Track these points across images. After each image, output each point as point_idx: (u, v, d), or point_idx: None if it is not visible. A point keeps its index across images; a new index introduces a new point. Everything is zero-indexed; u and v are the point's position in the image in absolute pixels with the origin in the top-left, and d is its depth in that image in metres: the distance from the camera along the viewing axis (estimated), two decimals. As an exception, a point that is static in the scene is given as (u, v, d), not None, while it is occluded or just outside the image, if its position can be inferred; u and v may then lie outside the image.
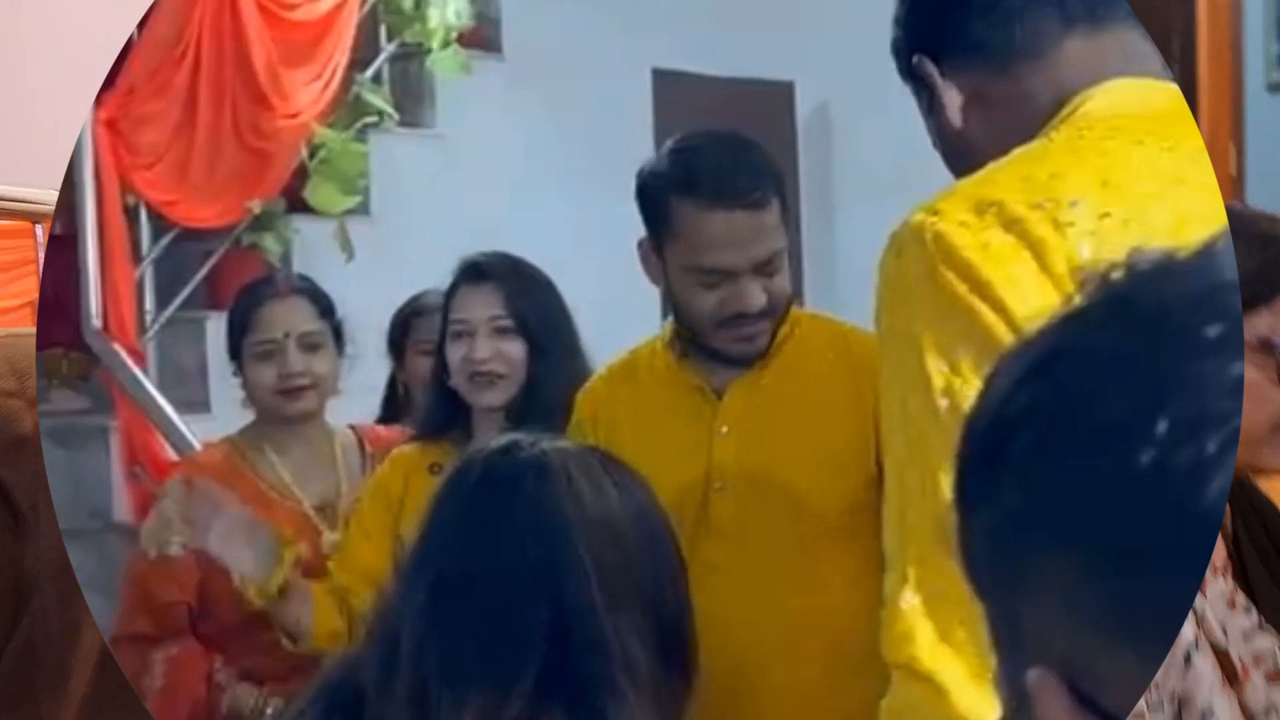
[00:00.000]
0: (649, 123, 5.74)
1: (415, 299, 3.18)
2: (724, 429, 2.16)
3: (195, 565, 2.64)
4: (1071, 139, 1.26)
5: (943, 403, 1.14)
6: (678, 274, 2.14)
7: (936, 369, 1.16)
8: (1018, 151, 1.27)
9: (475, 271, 2.42)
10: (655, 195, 2.14)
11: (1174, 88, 1.31)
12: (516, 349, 2.38)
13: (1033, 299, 1.13)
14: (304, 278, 2.83)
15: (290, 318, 2.65)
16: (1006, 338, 1.10)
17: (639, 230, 2.20)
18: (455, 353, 2.40)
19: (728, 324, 2.11)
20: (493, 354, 2.37)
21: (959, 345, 1.15)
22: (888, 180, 6.32)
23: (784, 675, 2.13)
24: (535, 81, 5.25)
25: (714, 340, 2.15)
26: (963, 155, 1.38)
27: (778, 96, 6.19)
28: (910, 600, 1.16)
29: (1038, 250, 1.15)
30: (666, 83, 5.81)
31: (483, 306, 2.39)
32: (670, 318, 2.26)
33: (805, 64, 6.14)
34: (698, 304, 2.12)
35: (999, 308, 1.15)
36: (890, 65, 1.53)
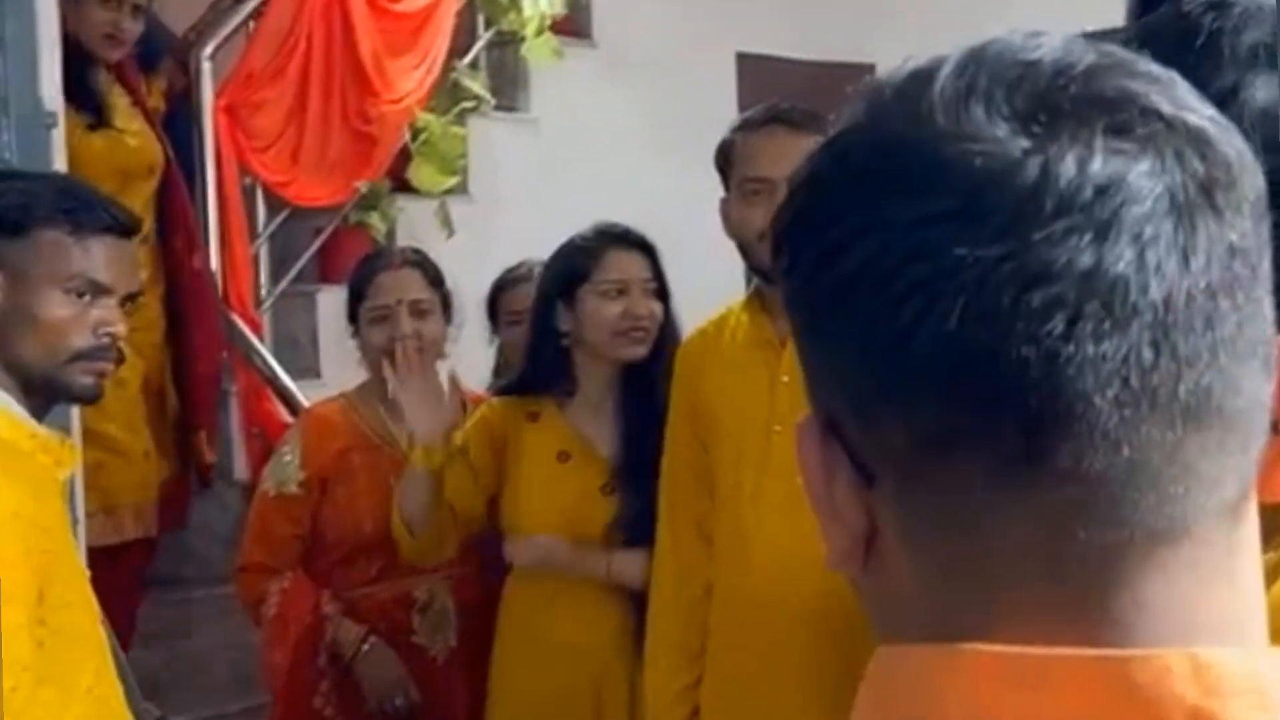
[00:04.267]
0: (733, 105, 5.90)
1: (505, 274, 3.43)
2: (785, 378, 2.40)
3: (310, 503, 2.93)
4: None
5: None
6: (736, 201, 2.44)
7: None
8: None
9: (624, 237, 2.69)
10: (724, 144, 2.46)
11: None
12: (659, 309, 2.66)
13: None
14: (416, 251, 3.08)
15: (402, 286, 2.92)
16: None
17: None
18: (610, 309, 2.63)
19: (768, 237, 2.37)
20: (648, 312, 2.64)
21: None
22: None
23: (841, 604, 2.36)
24: (624, 67, 5.44)
25: (763, 255, 2.40)
26: None
27: (859, 78, 6.31)
28: None
29: None
30: (750, 66, 5.96)
31: (638, 268, 2.66)
32: (753, 282, 2.53)
33: (886, 46, 6.25)
34: (747, 220, 2.41)
35: None
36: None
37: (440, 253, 3.70)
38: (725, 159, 2.46)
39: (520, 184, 5.12)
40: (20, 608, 1.72)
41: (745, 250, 2.46)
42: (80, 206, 1.90)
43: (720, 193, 2.47)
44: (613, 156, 5.33)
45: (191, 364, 3.97)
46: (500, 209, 5.00)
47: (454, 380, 3.03)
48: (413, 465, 2.61)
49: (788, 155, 2.36)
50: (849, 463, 0.61)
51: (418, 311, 2.90)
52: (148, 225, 3.72)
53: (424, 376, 2.59)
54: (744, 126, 2.44)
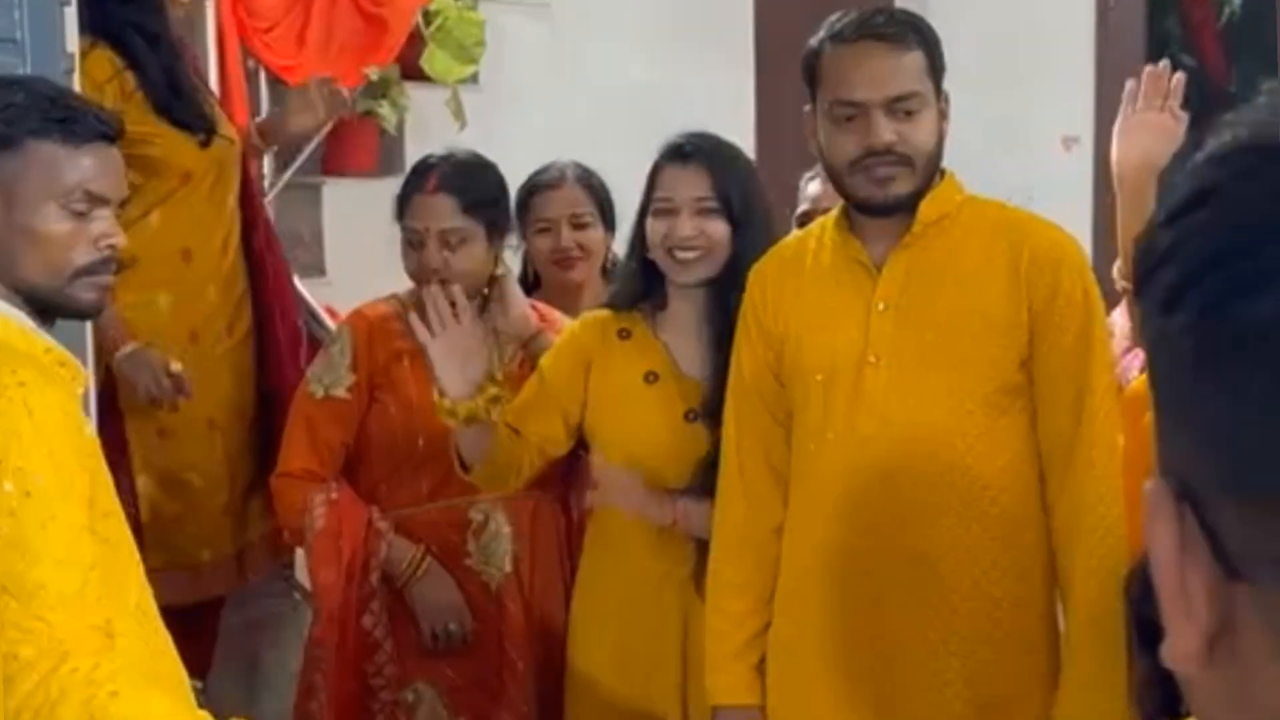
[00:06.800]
0: (749, -4, 5.69)
1: (534, 177, 3.18)
2: (881, 305, 2.21)
3: (360, 409, 2.75)
4: None
5: None
6: (825, 123, 2.21)
7: None
8: None
9: (681, 152, 2.48)
10: (811, 53, 2.23)
11: None
12: (719, 228, 2.44)
13: None
14: (460, 171, 2.78)
15: (432, 214, 2.70)
16: None
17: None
18: (657, 229, 2.46)
19: (861, 164, 2.17)
20: (695, 232, 2.44)
21: None
22: (982, 65, 6.27)
23: (936, 545, 2.19)
24: (641, -49, 5.21)
25: (853, 187, 2.21)
26: None
27: (876, -29, 6.11)
28: None
29: None
30: (767, -45, 5.75)
31: (688, 186, 2.45)
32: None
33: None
34: (837, 147, 2.19)
35: None
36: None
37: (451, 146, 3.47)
38: (811, 72, 2.23)
39: (532, 73, 4.88)
40: (80, 508, 1.67)
41: (834, 176, 2.25)
42: (71, 115, 1.84)
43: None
44: (626, 45, 5.11)
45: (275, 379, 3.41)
46: (511, 99, 4.77)
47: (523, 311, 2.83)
48: (441, 419, 2.44)
49: (884, 75, 2.15)
50: (1209, 549, 0.52)
51: (446, 243, 2.70)
52: (235, 235, 3.37)
53: (455, 326, 2.41)
54: (834, 37, 2.20)
